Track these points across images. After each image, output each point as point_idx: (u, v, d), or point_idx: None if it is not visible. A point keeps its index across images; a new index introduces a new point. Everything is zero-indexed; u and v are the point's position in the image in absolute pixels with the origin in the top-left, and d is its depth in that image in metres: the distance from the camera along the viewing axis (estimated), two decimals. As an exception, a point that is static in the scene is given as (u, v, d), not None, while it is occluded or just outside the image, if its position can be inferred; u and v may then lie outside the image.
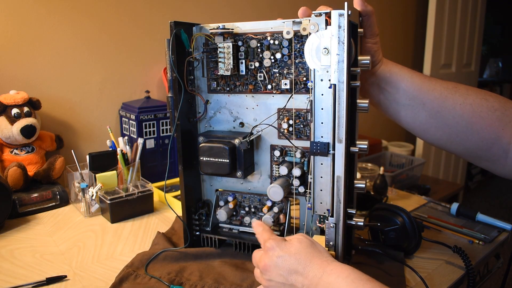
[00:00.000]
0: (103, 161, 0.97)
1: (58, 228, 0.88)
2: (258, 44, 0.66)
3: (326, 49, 0.58)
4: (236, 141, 0.67)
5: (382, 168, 1.10)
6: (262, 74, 0.67)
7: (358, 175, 1.13)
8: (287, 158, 0.69)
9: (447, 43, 2.33)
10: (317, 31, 0.58)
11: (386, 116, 0.72)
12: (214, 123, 0.73)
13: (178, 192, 1.01)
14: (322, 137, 0.61)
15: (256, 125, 0.69)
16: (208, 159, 0.68)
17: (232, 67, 0.67)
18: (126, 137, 1.06)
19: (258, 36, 0.66)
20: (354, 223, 0.61)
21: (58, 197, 0.99)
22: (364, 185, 0.62)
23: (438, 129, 0.66)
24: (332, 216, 0.59)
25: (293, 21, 0.62)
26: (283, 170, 0.68)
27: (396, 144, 2.18)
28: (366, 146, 0.60)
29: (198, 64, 0.71)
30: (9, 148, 1.04)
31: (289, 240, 0.55)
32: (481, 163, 0.67)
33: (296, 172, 0.66)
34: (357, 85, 0.60)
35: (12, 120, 1.00)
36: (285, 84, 0.65)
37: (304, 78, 0.64)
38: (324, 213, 0.63)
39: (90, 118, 1.23)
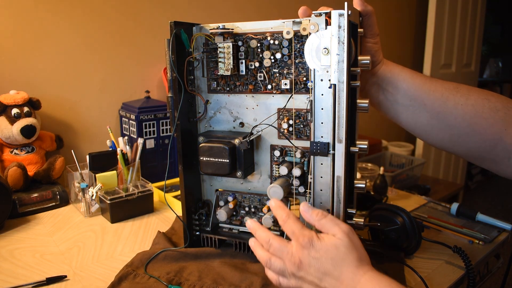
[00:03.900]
0: (103, 161, 0.97)
1: (58, 228, 0.88)
2: (258, 44, 0.66)
3: (326, 49, 0.58)
4: (236, 141, 0.67)
5: (382, 168, 1.10)
6: (262, 74, 0.67)
7: (358, 175, 1.13)
8: (287, 158, 0.69)
9: (447, 43, 2.34)
10: (317, 31, 0.58)
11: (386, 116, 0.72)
12: (214, 123, 0.73)
13: (178, 192, 1.01)
14: (322, 137, 0.61)
15: (256, 125, 0.69)
16: (208, 159, 0.68)
17: (232, 67, 0.67)
18: (126, 137, 1.06)
19: (258, 36, 0.66)
20: (354, 223, 0.61)
21: (58, 197, 0.99)
22: (364, 185, 0.62)
23: (439, 130, 0.65)
24: (332, 216, 0.59)
25: (293, 21, 0.62)
26: (283, 170, 0.68)
27: (396, 144, 2.19)
28: (366, 146, 0.60)
29: (198, 64, 0.71)
30: (9, 148, 1.04)
31: (326, 239, 0.51)
32: (484, 164, 0.67)
33: (296, 172, 0.66)
34: (357, 85, 0.60)
35: (12, 120, 1.00)
36: (285, 84, 0.65)
37: (304, 78, 0.64)
38: (324, 213, 0.63)
39: (90, 118, 1.23)
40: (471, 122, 0.62)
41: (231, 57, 0.66)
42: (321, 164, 0.62)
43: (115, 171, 0.97)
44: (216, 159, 0.67)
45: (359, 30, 0.63)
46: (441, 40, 2.30)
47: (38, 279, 0.66)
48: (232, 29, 0.66)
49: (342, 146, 0.56)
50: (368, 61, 0.61)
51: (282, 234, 0.71)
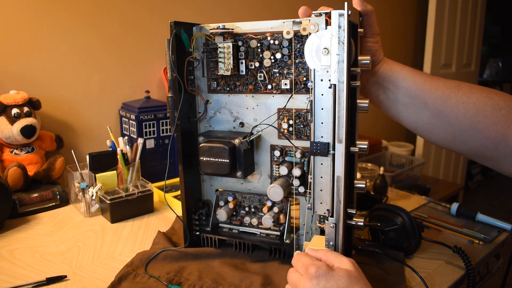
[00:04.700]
0: (103, 161, 0.97)
1: (58, 228, 0.88)
2: (258, 44, 0.66)
3: (326, 49, 0.58)
4: (236, 141, 0.67)
5: (382, 168, 1.10)
6: (262, 74, 0.67)
7: (358, 175, 1.13)
8: (287, 158, 0.69)
9: (447, 43, 2.33)
10: (317, 31, 0.58)
11: (386, 116, 0.72)
12: (214, 123, 0.73)
13: (178, 192, 1.01)
14: (322, 137, 0.61)
15: (256, 125, 0.69)
16: (208, 159, 0.68)
17: (232, 67, 0.67)
18: (126, 137, 1.06)
19: (258, 36, 0.66)
20: (354, 223, 0.61)
21: (58, 197, 0.99)
22: (364, 185, 0.62)
23: (441, 128, 0.65)
24: (332, 216, 0.59)
25: (293, 21, 0.62)
26: (283, 170, 0.68)
27: (396, 144, 2.19)
28: (366, 146, 0.60)
29: (198, 64, 0.71)
30: (9, 148, 1.04)
31: (337, 269, 0.52)
32: (487, 163, 0.66)
33: (296, 172, 0.66)
34: (357, 85, 0.60)
35: (12, 120, 1.00)
36: (285, 84, 0.65)
37: (304, 78, 0.64)
38: (324, 213, 0.63)
39: (90, 118, 1.23)
40: (473, 120, 0.61)
41: (231, 57, 0.66)
42: (321, 164, 0.62)
43: (115, 171, 0.97)
44: (216, 159, 0.67)
45: (359, 30, 0.63)
46: (441, 40, 2.30)
47: (38, 279, 0.66)
48: (232, 29, 0.66)
49: (342, 146, 0.56)
50: (368, 61, 0.61)
51: (282, 234, 0.71)
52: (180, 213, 0.74)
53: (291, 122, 0.66)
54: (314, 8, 0.60)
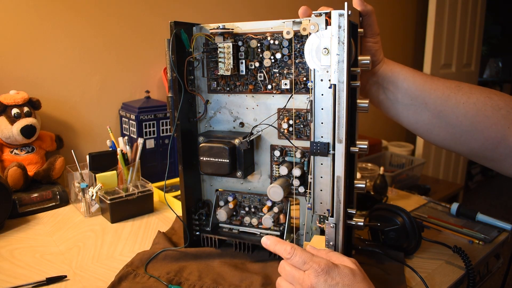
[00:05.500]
0: (103, 161, 0.97)
1: (58, 228, 0.88)
2: (258, 44, 0.66)
3: (326, 49, 0.58)
4: (236, 141, 0.67)
5: (382, 168, 1.10)
6: (262, 74, 0.67)
7: (358, 175, 1.13)
8: (287, 158, 0.69)
9: (447, 43, 2.33)
10: (317, 31, 0.58)
11: (386, 116, 0.72)
12: (214, 123, 0.73)
13: (178, 192, 1.01)
14: (322, 137, 0.61)
15: (256, 125, 0.69)
16: (208, 159, 0.68)
17: (232, 67, 0.67)
18: (126, 137, 1.06)
19: (258, 36, 0.66)
20: (354, 223, 0.61)
21: (58, 197, 0.99)
22: (364, 185, 0.62)
23: (441, 129, 0.65)
24: (332, 216, 0.59)
25: (293, 21, 0.62)
26: (283, 170, 0.68)
27: (396, 144, 2.19)
28: (366, 146, 0.60)
29: (198, 64, 0.71)
30: (9, 148, 1.04)
31: (341, 266, 0.52)
32: (488, 163, 0.66)
33: (296, 172, 0.66)
34: (357, 85, 0.60)
35: (12, 120, 1.00)
36: (285, 84, 0.65)
37: (304, 78, 0.64)
38: (324, 213, 0.63)
39: (90, 118, 1.23)
40: (473, 120, 0.62)
41: (231, 57, 0.66)
42: (321, 164, 0.62)
43: (115, 171, 0.97)
44: (216, 159, 0.67)
45: (359, 30, 0.63)
46: (441, 40, 2.30)
47: (38, 279, 0.66)
48: (232, 29, 0.66)
49: (342, 146, 0.56)
50: (368, 61, 0.61)
51: (282, 234, 0.71)
52: (180, 213, 0.74)
53: (291, 122, 0.66)
54: (314, 8, 0.60)
